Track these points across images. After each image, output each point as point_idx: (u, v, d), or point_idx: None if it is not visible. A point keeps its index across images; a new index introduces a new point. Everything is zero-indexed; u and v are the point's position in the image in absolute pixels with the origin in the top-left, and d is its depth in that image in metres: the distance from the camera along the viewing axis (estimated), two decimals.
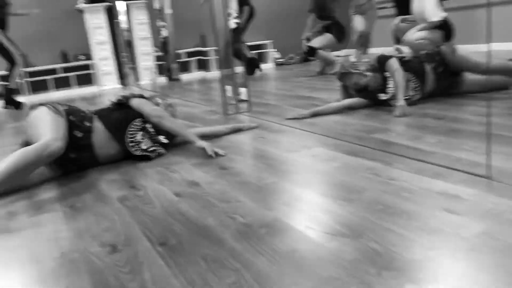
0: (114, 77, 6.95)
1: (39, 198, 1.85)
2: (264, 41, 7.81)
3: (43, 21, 6.57)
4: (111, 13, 6.84)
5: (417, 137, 2.12)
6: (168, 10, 6.97)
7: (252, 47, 7.53)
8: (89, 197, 1.80)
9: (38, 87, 6.56)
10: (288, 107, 3.37)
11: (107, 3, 6.70)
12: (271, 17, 7.97)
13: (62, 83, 6.70)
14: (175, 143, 2.48)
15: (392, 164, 1.78)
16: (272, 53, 7.90)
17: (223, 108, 3.31)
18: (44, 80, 6.58)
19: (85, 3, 6.63)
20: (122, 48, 6.89)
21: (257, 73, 6.49)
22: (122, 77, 7.06)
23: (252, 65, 6.49)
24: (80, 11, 6.71)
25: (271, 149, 2.22)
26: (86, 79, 6.86)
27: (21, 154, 1.90)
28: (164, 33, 7.07)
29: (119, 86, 6.98)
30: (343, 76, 3.03)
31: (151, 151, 2.28)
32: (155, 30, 7.09)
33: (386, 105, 2.89)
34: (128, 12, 6.81)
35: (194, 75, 7.44)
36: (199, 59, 7.48)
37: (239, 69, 3.17)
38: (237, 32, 6.35)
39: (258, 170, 1.89)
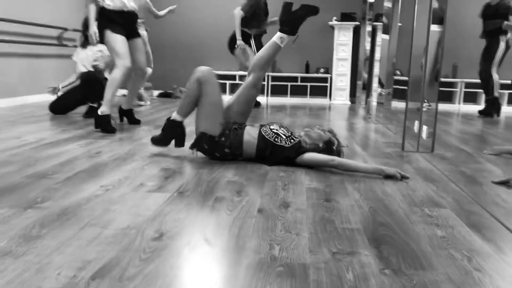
0: (346, 93, 7.15)
1: (185, 182, 2.16)
2: None
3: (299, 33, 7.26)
4: (358, 33, 7.04)
5: None
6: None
7: (504, 86, 6.57)
8: (203, 189, 2.00)
9: (277, 90, 7.32)
10: (481, 158, 2.86)
11: (356, 23, 6.93)
12: None
13: (299, 91, 7.30)
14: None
15: None
16: None
17: (402, 142, 3.06)
18: (284, 86, 7.29)
19: (337, 20, 7.02)
20: (360, 67, 7.00)
21: (494, 116, 5.66)
22: (353, 95, 7.19)
23: (491, 105, 5.71)
24: (332, 28, 7.14)
25: (393, 205, 1.91)
26: (320, 91, 7.28)
27: None
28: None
29: (348, 103, 7.14)
30: None
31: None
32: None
33: None
34: (373, 33, 6.87)
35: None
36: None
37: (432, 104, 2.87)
38: (488, 63, 5.63)
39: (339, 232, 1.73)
